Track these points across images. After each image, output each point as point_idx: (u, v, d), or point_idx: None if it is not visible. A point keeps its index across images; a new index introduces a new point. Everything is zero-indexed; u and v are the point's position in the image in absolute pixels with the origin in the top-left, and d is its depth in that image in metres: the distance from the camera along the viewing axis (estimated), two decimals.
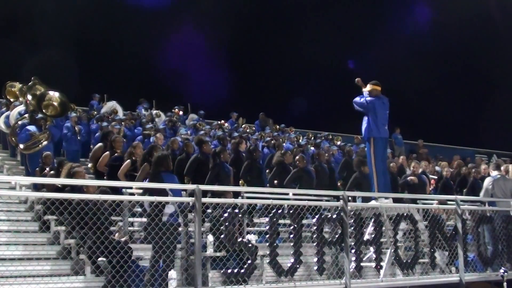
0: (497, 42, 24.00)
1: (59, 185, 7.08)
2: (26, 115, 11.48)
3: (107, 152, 9.28)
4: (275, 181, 10.37)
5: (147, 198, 6.56)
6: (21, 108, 11.98)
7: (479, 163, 13.72)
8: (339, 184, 11.67)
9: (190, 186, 6.22)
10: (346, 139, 17.60)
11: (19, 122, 11.36)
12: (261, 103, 21.71)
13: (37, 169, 9.51)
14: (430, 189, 11.07)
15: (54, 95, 10.96)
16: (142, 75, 21.38)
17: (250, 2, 23.08)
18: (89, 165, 9.96)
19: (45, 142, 10.57)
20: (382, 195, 7.85)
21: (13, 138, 11.40)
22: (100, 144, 10.10)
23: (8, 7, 19.14)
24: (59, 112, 11.08)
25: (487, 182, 8.60)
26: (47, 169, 9.11)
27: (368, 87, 8.18)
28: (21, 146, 10.66)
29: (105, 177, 8.93)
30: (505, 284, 6.72)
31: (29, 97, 11.40)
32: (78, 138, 12.15)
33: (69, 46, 19.80)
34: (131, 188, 7.72)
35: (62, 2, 20.50)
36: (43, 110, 10.84)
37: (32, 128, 10.80)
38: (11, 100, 13.06)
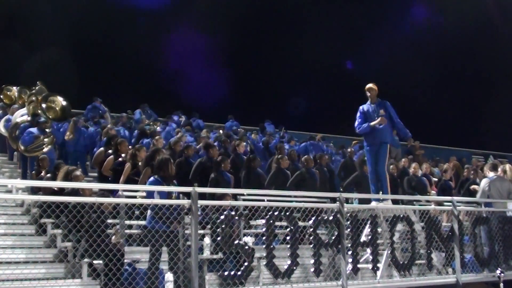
0: (496, 43, 24.06)
1: (56, 188, 7.08)
2: (26, 117, 11.47)
3: (111, 156, 9.23)
4: (273, 187, 10.36)
5: (144, 201, 6.56)
6: (23, 111, 11.97)
7: (476, 164, 13.77)
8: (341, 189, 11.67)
9: (186, 189, 6.21)
10: (346, 141, 17.62)
11: (21, 125, 11.36)
12: (260, 104, 21.75)
13: (33, 172, 9.50)
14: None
15: (58, 99, 10.91)
16: (141, 76, 21.36)
17: (249, 3, 23.09)
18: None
19: (48, 147, 10.54)
20: (379, 197, 7.89)
21: (12, 141, 11.39)
22: (101, 148, 10.08)
23: (6, 8, 19.12)
24: (58, 117, 11.01)
25: (483, 183, 8.60)
26: (43, 172, 9.09)
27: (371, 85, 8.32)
28: (22, 147, 10.63)
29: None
30: (501, 285, 6.73)
31: (33, 98, 11.38)
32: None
33: (68, 47, 19.78)
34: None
35: (60, 3, 20.48)
36: (44, 110, 10.76)
37: (34, 130, 10.76)
38: (7, 102, 13.05)
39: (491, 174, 8.58)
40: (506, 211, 8.20)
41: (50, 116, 10.84)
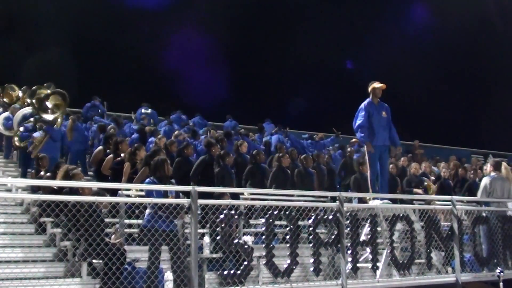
0: (495, 43, 24.07)
1: (55, 187, 7.07)
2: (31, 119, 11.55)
3: (111, 156, 9.19)
4: (274, 185, 10.35)
5: (144, 200, 6.56)
6: (27, 111, 12.02)
7: (475, 163, 13.76)
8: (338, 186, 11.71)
9: (186, 188, 6.21)
10: (346, 141, 17.57)
11: (25, 125, 11.44)
12: (260, 104, 21.74)
13: (33, 171, 9.51)
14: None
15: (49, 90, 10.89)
16: (141, 76, 21.36)
17: (249, 3, 23.10)
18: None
19: (41, 145, 10.56)
20: (379, 195, 7.89)
21: (16, 142, 11.47)
22: (100, 147, 10.07)
23: (6, 8, 19.12)
24: (64, 104, 10.92)
25: (485, 181, 8.53)
26: (43, 171, 9.09)
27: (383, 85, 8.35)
28: (20, 143, 10.71)
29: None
30: (501, 284, 6.71)
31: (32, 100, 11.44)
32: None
33: (68, 47, 19.78)
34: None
35: (60, 3, 20.48)
36: (46, 102, 10.75)
37: (36, 134, 10.79)
38: (6, 101, 13.07)
39: (492, 173, 8.55)
40: (506, 210, 8.19)
41: (56, 102, 10.79)
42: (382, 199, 7.80)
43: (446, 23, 23.64)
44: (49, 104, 10.88)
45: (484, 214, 7.95)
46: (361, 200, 8.90)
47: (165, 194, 6.48)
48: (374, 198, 7.91)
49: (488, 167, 8.79)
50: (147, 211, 6.33)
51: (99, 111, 15.88)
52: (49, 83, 12.24)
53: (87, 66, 19.62)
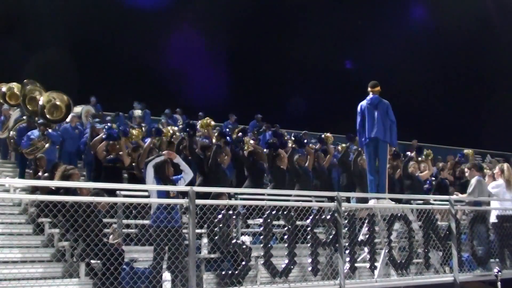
0: (494, 43, 24.09)
1: (53, 188, 7.08)
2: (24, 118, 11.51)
3: (104, 142, 9.45)
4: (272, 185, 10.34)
5: (141, 200, 6.56)
6: (17, 114, 11.98)
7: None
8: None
9: (184, 188, 6.21)
10: (345, 140, 17.53)
11: (19, 126, 11.41)
12: (260, 104, 21.74)
13: (31, 171, 9.52)
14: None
15: (61, 96, 10.75)
16: (140, 76, 21.36)
17: (249, 3, 23.10)
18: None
19: (46, 145, 10.56)
20: (377, 195, 7.89)
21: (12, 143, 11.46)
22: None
23: (6, 8, 19.13)
24: (64, 115, 10.82)
25: (476, 180, 8.55)
26: (41, 171, 9.10)
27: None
28: (24, 150, 10.69)
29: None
30: (499, 283, 6.72)
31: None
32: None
33: (67, 47, 19.77)
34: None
35: (60, 3, 20.50)
36: (47, 116, 10.62)
37: (34, 133, 10.75)
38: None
39: (478, 174, 8.66)
40: (505, 210, 8.20)
41: (57, 117, 10.71)
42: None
43: (446, 23, 23.65)
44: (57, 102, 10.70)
45: (472, 214, 7.95)
46: (361, 200, 8.89)
47: (167, 195, 6.53)
48: (373, 198, 7.90)
49: (469, 170, 8.91)
50: (153, 210, 6.35)
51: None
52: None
53: (86, 66, 19.63)
